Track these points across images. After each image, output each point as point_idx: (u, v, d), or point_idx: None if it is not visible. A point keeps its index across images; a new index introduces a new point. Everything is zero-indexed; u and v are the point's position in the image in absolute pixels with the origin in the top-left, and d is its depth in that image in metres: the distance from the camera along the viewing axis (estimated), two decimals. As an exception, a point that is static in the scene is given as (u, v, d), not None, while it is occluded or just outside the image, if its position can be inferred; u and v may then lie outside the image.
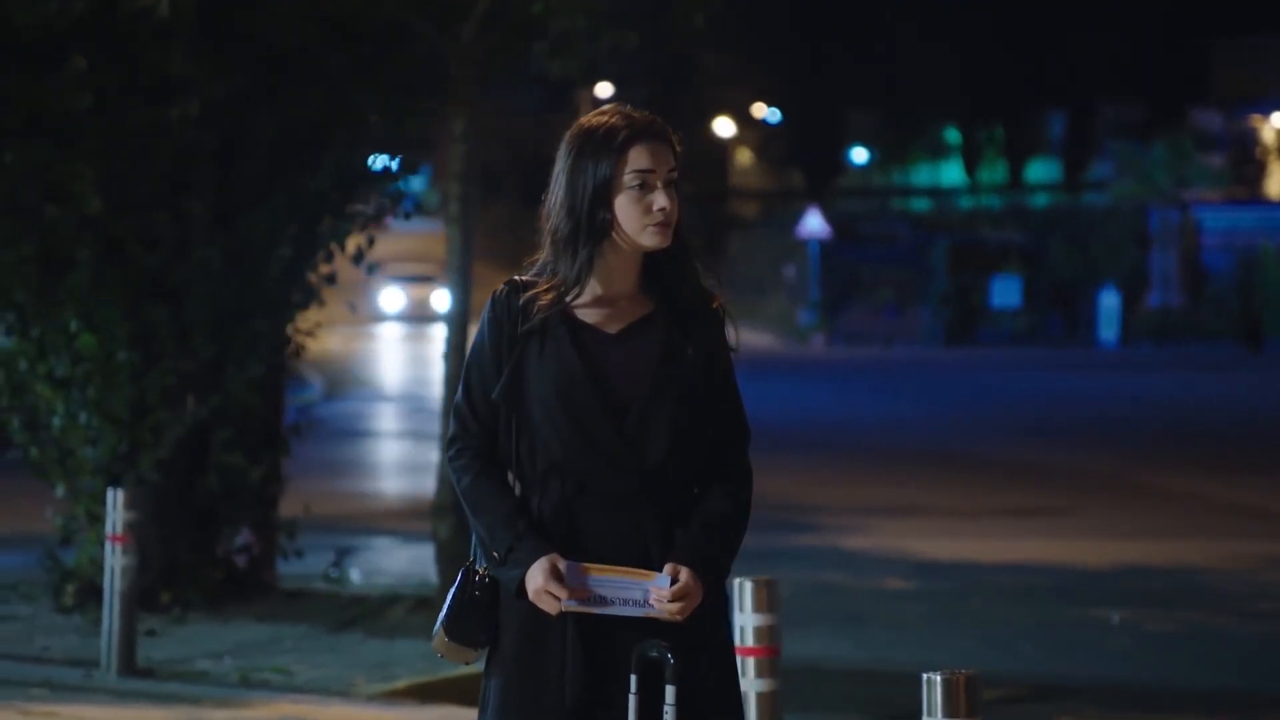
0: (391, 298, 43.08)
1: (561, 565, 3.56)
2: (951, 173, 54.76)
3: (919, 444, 19.86)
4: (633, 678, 3.55)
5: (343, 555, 10.82)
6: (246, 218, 9.81)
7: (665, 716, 3.54)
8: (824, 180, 52.38)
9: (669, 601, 3.54)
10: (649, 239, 3.65)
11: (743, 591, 5.72)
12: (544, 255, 3.72)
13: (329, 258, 10.20)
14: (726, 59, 49.02)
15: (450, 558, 9.82)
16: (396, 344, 37.24)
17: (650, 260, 3.70)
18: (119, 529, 8.18)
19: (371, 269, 10.44)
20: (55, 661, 8.66)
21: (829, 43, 51.31)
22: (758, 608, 5.73)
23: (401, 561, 12.23)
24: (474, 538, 3.71)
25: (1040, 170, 53.24)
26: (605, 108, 3.73)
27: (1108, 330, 38.51)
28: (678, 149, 3.69)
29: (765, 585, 5.74)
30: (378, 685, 8.17)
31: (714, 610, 3.66)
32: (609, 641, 3.58)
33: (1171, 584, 11.41)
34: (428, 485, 13.29)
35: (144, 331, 9.68)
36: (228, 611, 9.71)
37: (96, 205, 9.46)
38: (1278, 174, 45.88)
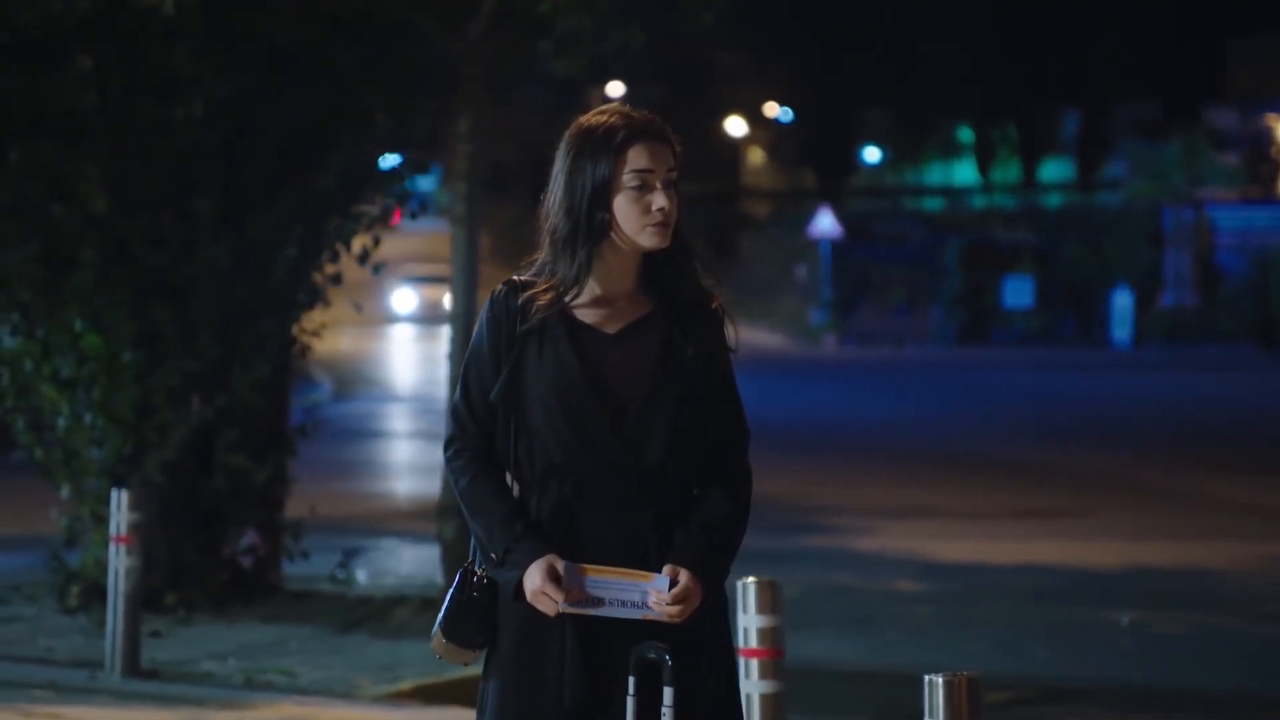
0: (404, 299, 43.08)
1: (559, 566, 3.55)
2: (964, 172, 54.68)
3: (929, 445, 19.81)
4: (631, 679, 3.54)
5: (350, 556, 10.79)
6: (252, 218, 9.79)
7: (663, 718, 3.53)
8: (836, 180, 52.33)
9: (669, 603, 3.53)
10: (648, 239, 3.64)
11: (746, 592, 5.68)
12: (543, 255, 3.71)
13: (335, 258, 10.18)
14: (738, 58, 49.00)
15: (455, 559, 9.79)
16: (408, 345, 37.27)
17: (649, 260, 3.69)
18: (123, 530, 8.16)
19: (377, 269, 10.40)
20: (59, 663, 8.64)
21: (841, 41, 51.26)
22: (761, 609, 5.69)
23: (408, 562, 12.20)
24: (472, 539, 3.70)
25: (1054, 169, 53.15)
26: (604, 107, 3.73)
27: (1121, 330, 38.41)
28: (677, 149, 3.68)
29: (768, 586, 5.70)
30: (382, 687, 8.15)
31: (713, 612, 3.65)
32: (607, 643, 3.57)
33: (1182, 585, 11.36)
34: (435, 486, 13.25)
35: (149, 332, 9.66)
36: (233, 613, 9.69)
37: (101, 205, 9.44)
38: (1293, 173, 45.74)
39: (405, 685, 8.18)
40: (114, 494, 8.26)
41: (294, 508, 10.46)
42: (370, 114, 9.97)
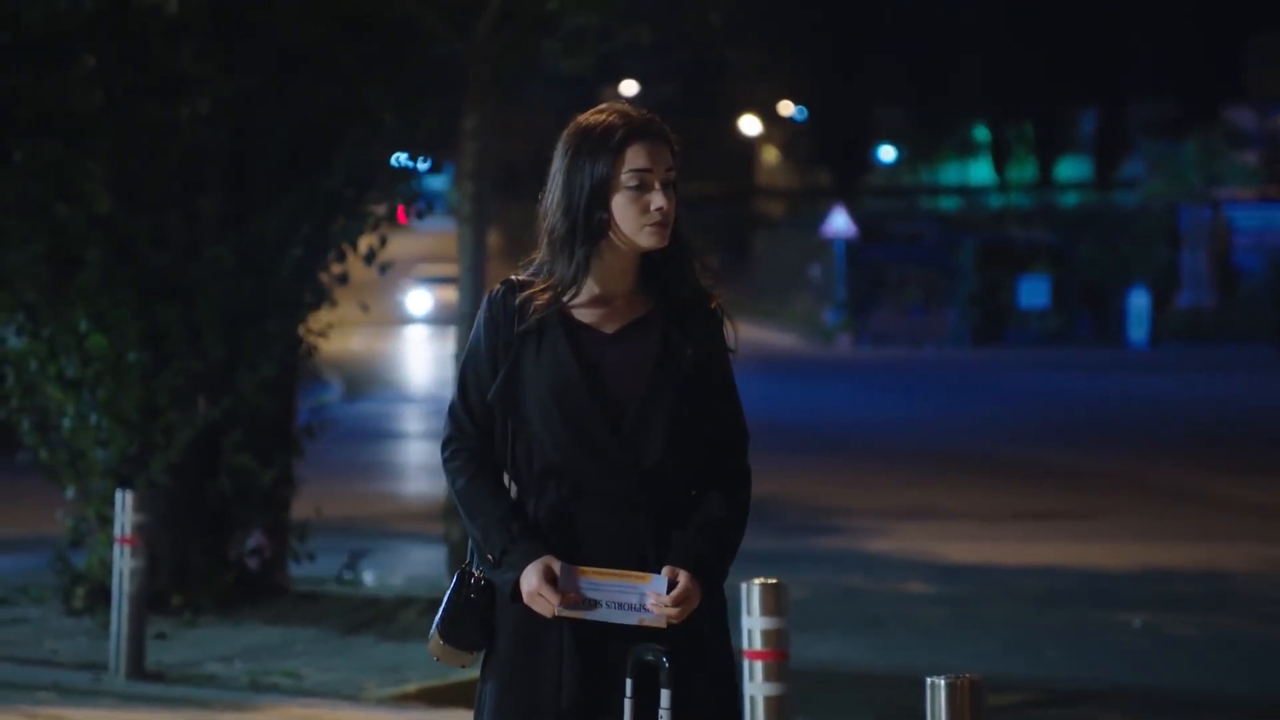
0: (418, 299, 43.08)
1: (556, 568, 3.53)
2: (980, 171, 54.57)
3: (942, 446, 19.76)
4: (628, 681, 3.53)
5: (357, 558, 10.76)
6: (258, 217, 9.76)
7: (660, 721, 3.49)
8: (851, 178, 52.26)
9: (668, 605, 3.51)
10: (646, 239, 3.62)
11: (750, 594, 5.65)
12: (541, 255, 3.69)
13: (341, 258, 10.14)
14: (753, 56, 48.96)
15: (462, 560, 9.72)
16: (421, 345, 37.28)
17: (648, 260, 3.67)
18: (128, 531, 8.12)
19: (384, 269, 10.35)
20: (64, 665, 8.62)
21: (856, 39, 51.18)
22: (766, 611, 5.65)
23: (415, 564, 12.16)
24: (470, 540, 3.69)
25: (1071, 169, 53.03)
26: (603, 105, 3.73)
27: (1137, 331, 38.28)
28: (676, 149, 3.66)
29: (773, 588, 5.66)
30: (388, 689, 8.12)
31: (712, 613, 3.62)
32: (605, 645, 3.56)
33: (1195, 588, 11.30)
34: (443, 487, 13.22)
35: (154, 332, 9.63)
36: (238, 614, 9.66)
37: (106, 204, 9.41)
38: (1310, 172, 45.59)
39: (411, 687, 8.15)
40: (119, 495, 8.23)
41: (301, 509, 10.42)
42: (376, 113, 9.93)
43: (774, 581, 5.68)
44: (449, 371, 27.55)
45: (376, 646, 9.03)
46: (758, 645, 5.63)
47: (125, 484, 9.09)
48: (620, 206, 3.59)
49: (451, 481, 3.67)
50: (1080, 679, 8.79)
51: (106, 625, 8.81)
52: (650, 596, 3.51)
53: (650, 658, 3.50)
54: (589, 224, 3.59)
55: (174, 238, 9.70)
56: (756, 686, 5.63)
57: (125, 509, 8.14)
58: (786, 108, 55.23)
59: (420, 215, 10.43)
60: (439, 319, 41.84)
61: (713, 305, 3.69)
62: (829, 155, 53.78)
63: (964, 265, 39.69)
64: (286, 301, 9.91)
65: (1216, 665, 9.15)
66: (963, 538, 13.30)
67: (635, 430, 3.57)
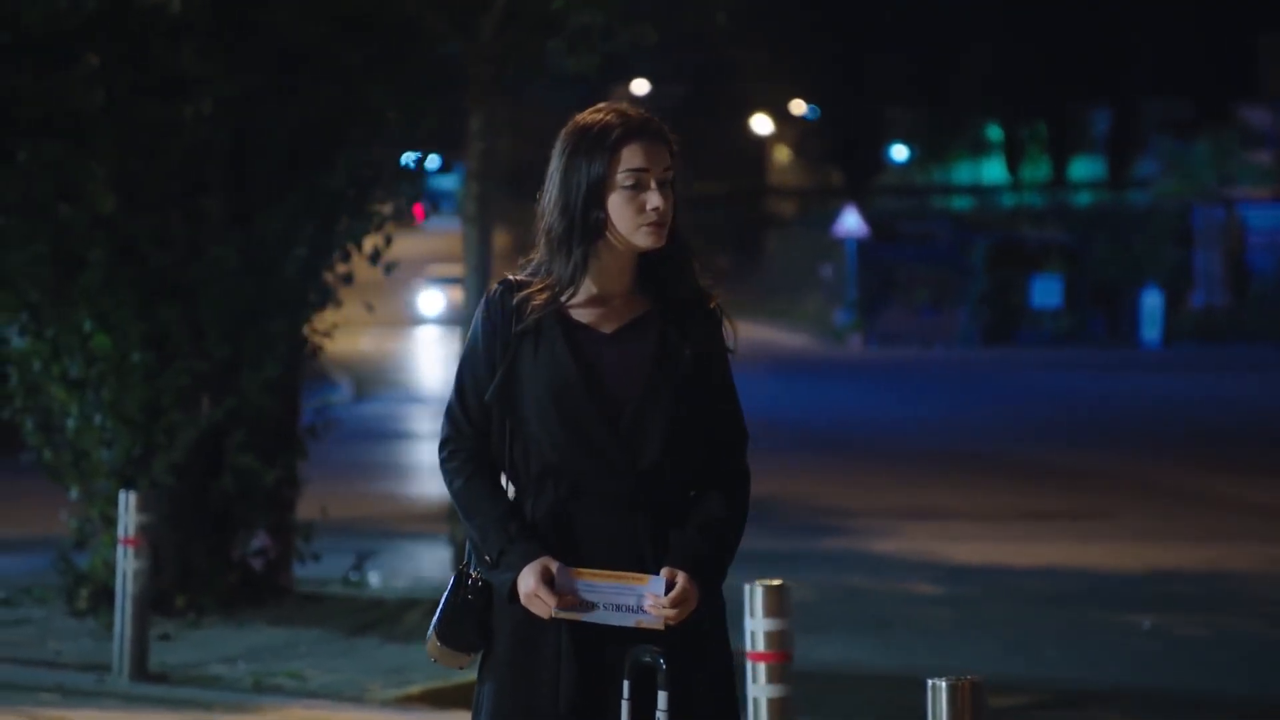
0: (430, 300, 43.07)
1: (554, 569, 3.52)
2: (993, 170, 54.49)
3: (948, 446, 19.72)
4: (626, 683, 3.52)
5: (363, 559, 10.74)
6: (262, 217, 9.74)
7: (657, 723, 3.49)
8: (863, 178, 52.21)
9: (666, 606, 3.50)
10: (642, 239, 3.61)
11: (753, 596, 5.63)
12: (539, 254, 3.68)
13: (346, 257, 10.13)
14: (764, 55, 48.89)
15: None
16: (432, 346, 37.28)
17: (646, 259, 3.66)
18: (132, 532, 8.11)
19: (389, 269, 10.33)
20: (67, 666, 8.61)
21: (868, 38, 51.13)
22: (768, 612, 5.64)
23: (420, 565, 12.14)
24: (467, 541, 3.68)
25: (1084, 168, 52.95)
26: (601, 105, 3.72)
27: (1150, 330, 38.19)
28: (674, 149, 3.65)
29: (776, 589, 5.64)
30: (392, 691, 8.11)
31: (711, 614, 3.61)
32: (603, 646, 3.55)
33: (1203, 589, 11.26)
34: (449, 487, 13.20)
35: (158, 332, 9.62)
36: (242, 615, 9.64)
37: (109, 204, 9.40)
38: (1324, 172, 45.47)
39: (415, 689, 8.13)
40: (123, 496, 8.21)
41: (306, 509, 10.40)
42: (380, 113, 9.92)
43: (777, 583, 5.67)
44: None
45: (381, 648, 9.01)
46: (761, 647, 5.62)
47: (129, 484, 9.08)
48: (617, 206, 3.58)
49: (449, 482, 3.66)
50: (1086, 680, 8.77)
51: (110, 626, 8.81)
52: (648, 598, 3.50)
53: (648, 659, 3.49)
54: (586, 224, 3.58)
55: (176, 238, 9.69)
56: (759, 688, 5.62)
57: (129, 510, 8.13)
58: (798, 107, 55.19)
59: (426, 214, 10.40)
60: (451, 319, 41.83)
61: (711, 305, 3.68)
62: (840, 154, 53.74)
63: (976, 265, 39.61)
64: (290, 301, 9.89)
65: (1219, 666, 9.11)
66: (966, 538, 13.26)
67: (633, 430, 3.56)
